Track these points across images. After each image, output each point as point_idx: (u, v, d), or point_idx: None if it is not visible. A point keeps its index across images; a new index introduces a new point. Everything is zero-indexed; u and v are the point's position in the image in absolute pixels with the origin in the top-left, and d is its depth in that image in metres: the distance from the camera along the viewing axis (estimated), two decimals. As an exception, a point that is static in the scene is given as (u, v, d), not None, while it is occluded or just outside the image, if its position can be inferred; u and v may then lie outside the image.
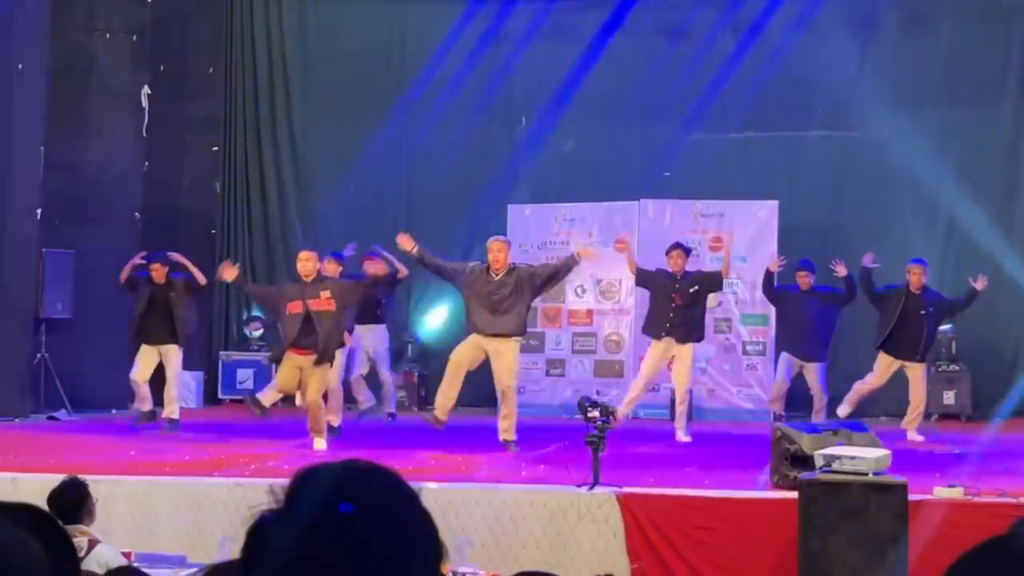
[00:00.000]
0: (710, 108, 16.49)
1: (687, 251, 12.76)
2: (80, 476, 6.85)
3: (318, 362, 11.44)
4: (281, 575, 1.51)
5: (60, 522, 2.21)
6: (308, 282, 11.63)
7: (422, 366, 16.55)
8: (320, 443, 11.50)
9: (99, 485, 7.58)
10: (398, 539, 1.53)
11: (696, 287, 12.52)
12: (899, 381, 13.13)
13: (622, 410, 11.87)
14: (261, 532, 1.55)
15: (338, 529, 1.50)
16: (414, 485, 1.63)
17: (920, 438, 12.71)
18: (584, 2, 16.96)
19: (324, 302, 11.53)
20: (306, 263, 11.71)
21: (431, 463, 10.09)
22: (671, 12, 16.74)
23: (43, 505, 6.22)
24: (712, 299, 15.28)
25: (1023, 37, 15.93)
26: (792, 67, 16.46)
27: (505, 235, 13.92)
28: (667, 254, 12.68)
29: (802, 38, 16.45)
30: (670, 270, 12.55)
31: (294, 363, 11.53)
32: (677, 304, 12.39)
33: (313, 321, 11.41)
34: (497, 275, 11.51)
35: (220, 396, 16.74)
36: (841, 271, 13.39)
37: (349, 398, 13.74)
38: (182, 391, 14.13)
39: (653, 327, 12.59)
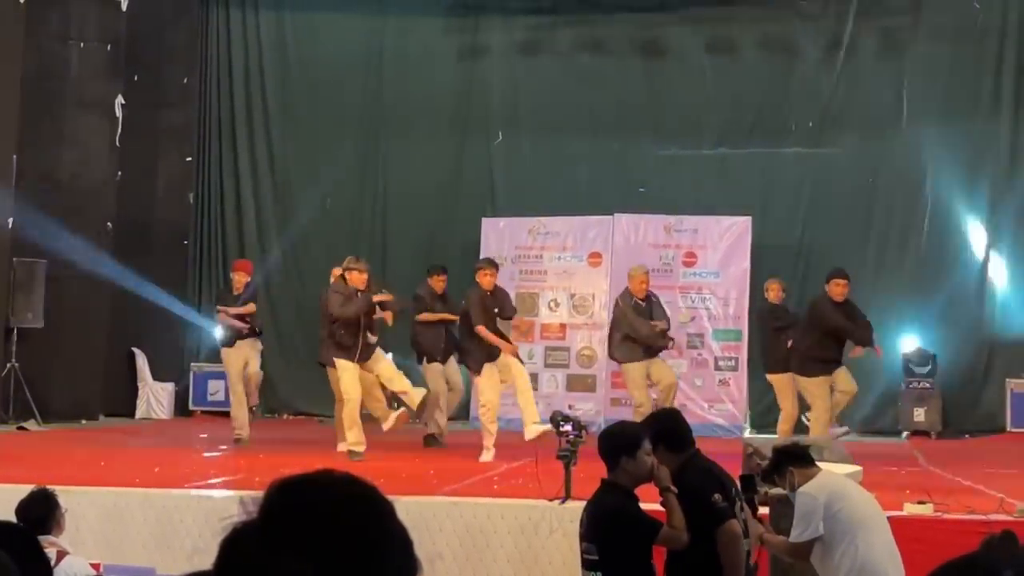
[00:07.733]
0: (685, 124, 16.55)
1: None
2: (49, 486, 6.80)
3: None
4: (254, 588, 1.50)
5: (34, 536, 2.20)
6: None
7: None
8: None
9: (69, 496, 7.51)
10: (372, 552, 1.52)
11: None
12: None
13: None
14: (234, 544, 1.54)
15: (312, 542, 1.50)
16: (389, 498, 1.62)
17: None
18: (561, 18, 16.99)
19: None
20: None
21: (403, 475, 10.06)
22: (647, 29, 16.79)
23: (11, 515, 6.18)
24: (684, 314, 15.29)
25: (995, 57, 16.02)
26: (767, 85, 16.54)
27: (478, 249, 13.72)
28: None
29: (777, 56, 16.54)
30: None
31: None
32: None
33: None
34: None
35: (191, 407, 16.67)
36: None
37: None
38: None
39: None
